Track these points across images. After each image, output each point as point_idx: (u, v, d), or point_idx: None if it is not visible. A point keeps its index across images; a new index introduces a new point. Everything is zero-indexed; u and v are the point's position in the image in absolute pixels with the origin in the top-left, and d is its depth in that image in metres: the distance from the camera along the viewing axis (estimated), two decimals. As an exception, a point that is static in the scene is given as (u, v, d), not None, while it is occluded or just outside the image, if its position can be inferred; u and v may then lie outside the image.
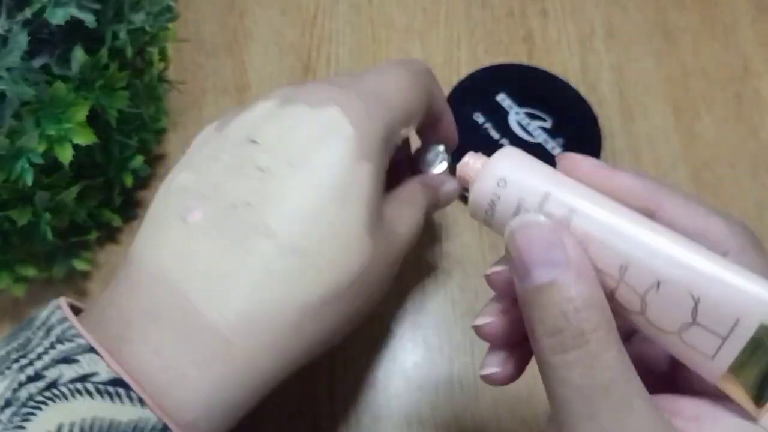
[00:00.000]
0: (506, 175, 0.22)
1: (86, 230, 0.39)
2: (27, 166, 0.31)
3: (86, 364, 0.22)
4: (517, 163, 0.22)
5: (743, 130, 0.46)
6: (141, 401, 0.22)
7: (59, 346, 0.23)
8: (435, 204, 0.32)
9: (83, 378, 0.22)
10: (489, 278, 0.24)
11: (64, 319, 0.23)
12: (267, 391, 0.25)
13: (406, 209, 0.29)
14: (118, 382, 0.22)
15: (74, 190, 0.34)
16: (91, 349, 0.22)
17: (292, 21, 0.50)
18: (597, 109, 0.46)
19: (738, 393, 0.20)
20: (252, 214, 0.24)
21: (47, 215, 0.34)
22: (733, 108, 0.47)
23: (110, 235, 0.42)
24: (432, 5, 0.51)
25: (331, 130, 0.25)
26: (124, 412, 0.22)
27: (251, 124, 0.27)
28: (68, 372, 0.22)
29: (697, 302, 0.20)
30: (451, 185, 0.33)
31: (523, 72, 0.47)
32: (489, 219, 0.23)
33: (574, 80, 0.48)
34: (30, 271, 0.37)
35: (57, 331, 0.23)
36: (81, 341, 0.23)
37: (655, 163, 0.45)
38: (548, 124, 0.44)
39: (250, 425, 0.37)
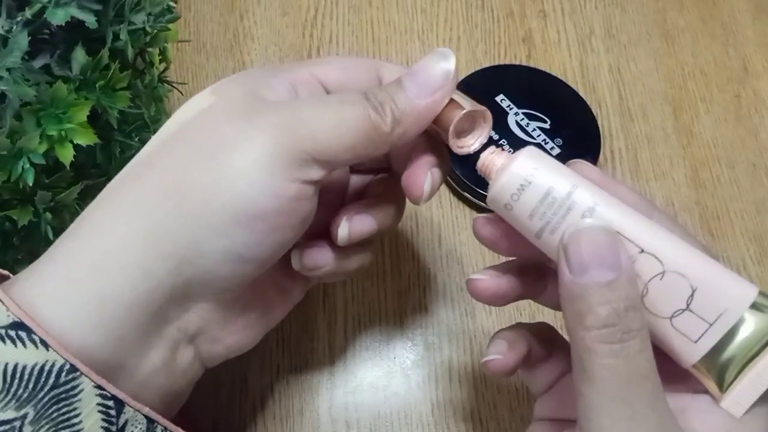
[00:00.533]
0: (538, 164, 0.24)
1: (87, 230, 0.39)
2: (28, 166, 0.31)
3: None
4: (544, 157, 0.25)
5: (742, 131, 0.47)
6: (44, 344, 0.22)
7: None
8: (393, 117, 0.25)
9: None
10: (474, 285, 0.27)
11: None
12: (151, 288, 0.24)
13: (328, 110, 0.25)
14: (18, 325, 0.22)
15: (75, 190, 0.35)
16: None
17: (293, 22, 0.50)
18: (596, 109, 0.46)
19: (706, 378, 0.23)
20: None
21: (48, 215, 0.34)
22: (732, 108, 0.47)
23: (111, 235, 0.42)
24: (431, 6, 0.51)
25: None
26: (27, 355, 0.22)
27: None
28: None
29: (693, 291, 0.23)
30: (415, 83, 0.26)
31: (522, 73, 0.47)
32: (512, 203, 0.24)
33: (573, 81, 0.48)
34: (31, 271, 0.37)
35: None
36: None
37: (654, 162, 0.45)
38: (547, 125, 0.44)
39: (250, 423, 0.37)
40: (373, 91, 0.26)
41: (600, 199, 0.24)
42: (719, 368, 0.23)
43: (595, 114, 0.45)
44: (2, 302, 0.23)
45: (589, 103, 0.46)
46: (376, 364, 0.39)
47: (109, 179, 0.38)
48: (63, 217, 0.35)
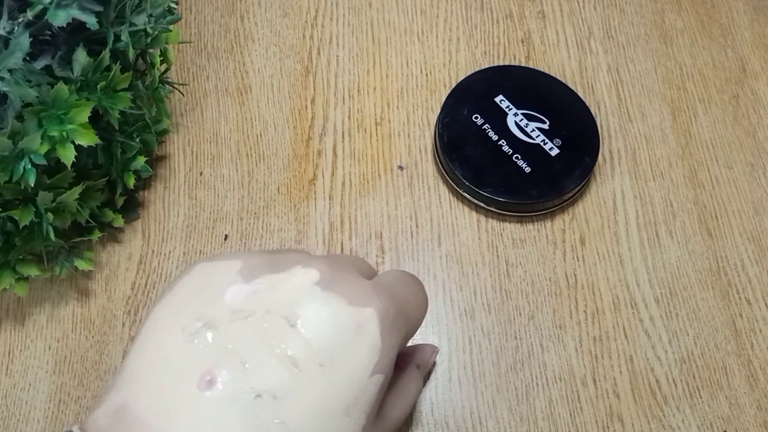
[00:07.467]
0: None
1: (89, 230, 0.39)
2: (29, 166, 0.32)
3: None
4: None
5: (740, 131, 0.47)
6: None
7: None
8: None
9: None
10: None
11: None
12: None
13: (403, 397, 0.32)
14: None
15: (76, 190, 0.35)
16: None
17: (293, 23, 0.50)
18: (595, 110, 0.46)
19: None
20: (276, 407, 0.24)
21: (49, 215, 0.34)
22: (731, 109, 0.48)
23: (112, 235, 0.42)
24: (431, 7, 0.51)
25: (363, 336, 0.27)
26: None
27: (290, 299, 0.27)
28: None
29: None
30: (433, 353, 0.39)
31: (521, 74, 0.47)
32: None
33: (572, 82, 0.48)
34: (32, 271, 0.37)
35: None
36: None
37: (653, 163, 0.45)
38: (546, 125, 0.44)
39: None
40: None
41: None
42: None
43: (594, 115, 0.45)
44: None
45: (588, 104, 0.46)
46: (375, 364, 0.39)
47: (110, 180, 0.39)
48: (64, 218, 0.36)
